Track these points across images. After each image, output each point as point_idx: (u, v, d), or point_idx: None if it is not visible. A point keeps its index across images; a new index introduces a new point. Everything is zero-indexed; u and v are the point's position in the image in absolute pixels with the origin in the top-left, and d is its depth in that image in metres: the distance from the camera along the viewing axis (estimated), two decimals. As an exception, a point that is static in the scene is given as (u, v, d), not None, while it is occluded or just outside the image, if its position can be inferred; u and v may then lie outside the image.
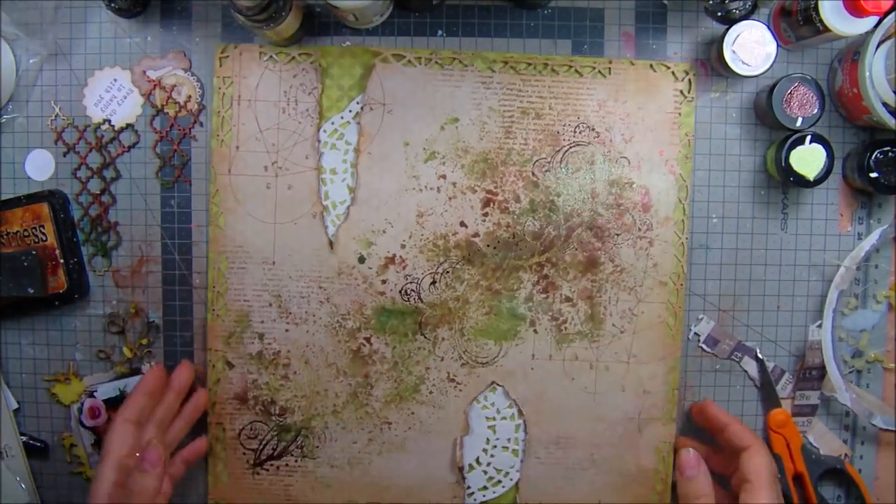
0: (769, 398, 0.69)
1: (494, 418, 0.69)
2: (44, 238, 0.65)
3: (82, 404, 0.68)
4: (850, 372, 0.70)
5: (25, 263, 0.65)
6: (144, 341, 0.68)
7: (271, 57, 0.67)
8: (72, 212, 0.68)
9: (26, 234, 0.65)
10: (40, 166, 0.68)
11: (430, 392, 0.68)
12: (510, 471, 0.69)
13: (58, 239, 0.65)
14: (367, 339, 0.68)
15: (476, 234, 0.68)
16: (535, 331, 0.68)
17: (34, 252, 0.65)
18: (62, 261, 0.65)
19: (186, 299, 0.68)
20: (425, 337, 0.68)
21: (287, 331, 0.68)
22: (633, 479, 0.69)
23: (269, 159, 0.67)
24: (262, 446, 0.69)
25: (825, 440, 0.70)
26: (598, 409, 0.69)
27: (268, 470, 0.69)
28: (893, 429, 0.66)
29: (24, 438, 0.68)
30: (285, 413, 0.68)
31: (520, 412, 0.69)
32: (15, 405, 0.69)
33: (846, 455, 0.70)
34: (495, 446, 0.69)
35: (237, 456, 0.69)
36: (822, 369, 0.69)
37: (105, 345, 0.69)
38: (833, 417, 0.70)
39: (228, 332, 0.68)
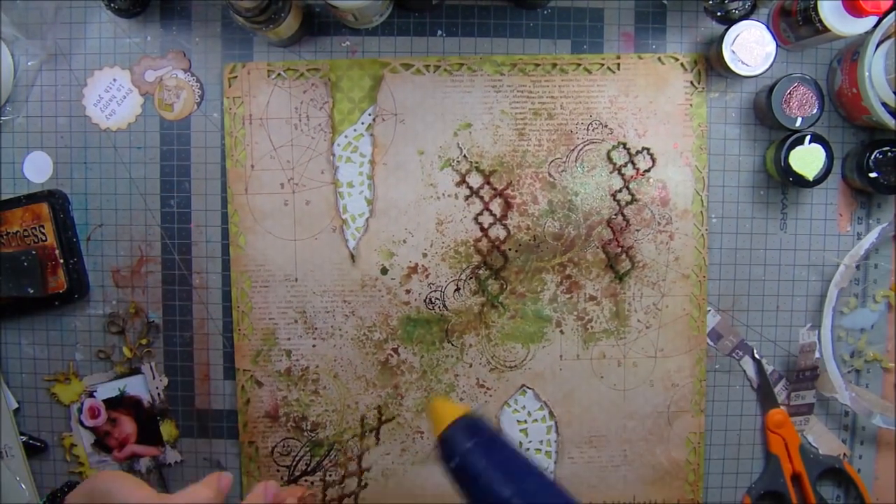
0: (767, 398, 0.69)
1: (526, 421, 0.69)
2: (44, 238, 0.65)
3: (82, 404, 0.68)
4: (850, 371, 0.70)
5: (25, 263, 0.65)
6: (144, 341, 0.68)
7: (279, 74, 0.67)
8: (71, 212, 0.68)
9: (26, 234, 0.65)
10: (39, 168, 0.68)
11: (461, 399, 0.68)
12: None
13: (58, 239, 0.65)
14: (395, 350, 0.68)
15: (497, 239, 0.68)
16: (562, 331, 0.68)
17: (34, 252, 0.65)
18: (62, 261, 0.65)
19: (186, 299, 0.68)
20: (452, 344, 0.68)
21: (314, 346, 0.68)
22: (666, 472, 0.69)
23: (285, 176, 0.67)
24: (295, 462, 0.69)
25: (824, 440, 0.70)
26: (628, 405, 0.69)
27: (302, 486, 0.69)
28: (893, 428, 0.66)
29: (24, 438, 0.68)
30: (317, 428, 0.69)
31: (551, 414, 0.69)
32: (15, 405, 0.69)
33: (845, 455, 0.70)
34: (528, 449, 0.69)
35: (271, 473, 0.69)
36: (814, 370, 0.69)
37: (105, 345, 0.69)
38: (832, 417, 0.70)
39: (256, 351, 0.68)
